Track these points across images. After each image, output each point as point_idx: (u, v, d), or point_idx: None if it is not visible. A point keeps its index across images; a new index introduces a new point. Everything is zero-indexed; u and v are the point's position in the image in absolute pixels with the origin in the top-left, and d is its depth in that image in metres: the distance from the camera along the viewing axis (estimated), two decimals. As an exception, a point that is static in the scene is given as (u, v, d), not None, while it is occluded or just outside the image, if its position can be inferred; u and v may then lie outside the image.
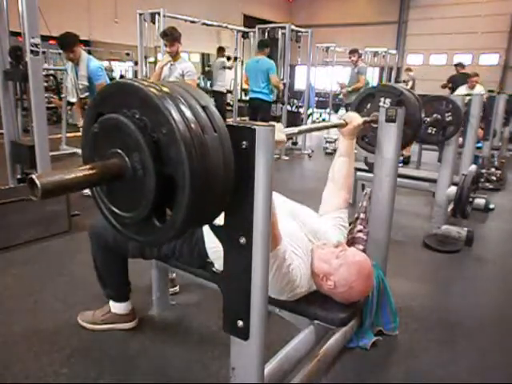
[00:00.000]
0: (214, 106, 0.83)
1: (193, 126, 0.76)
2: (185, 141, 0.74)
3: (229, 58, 7.77)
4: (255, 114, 5.80)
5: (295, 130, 1.34)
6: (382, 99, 1.92)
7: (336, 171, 1.80)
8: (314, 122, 10.93)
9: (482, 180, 4.54)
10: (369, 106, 1.96)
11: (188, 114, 0.76)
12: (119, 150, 0.80)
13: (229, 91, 10.89)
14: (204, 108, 0.80)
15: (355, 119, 1.73)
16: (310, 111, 9.75)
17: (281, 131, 1.16)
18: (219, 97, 7.31)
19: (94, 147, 0.86)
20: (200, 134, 0.76)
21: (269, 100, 5.82)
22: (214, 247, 1.53)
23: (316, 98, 11.52)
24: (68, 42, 3.65)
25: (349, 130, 1.73)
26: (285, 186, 4.59)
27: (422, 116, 2.01)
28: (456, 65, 8.45)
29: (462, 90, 7.17)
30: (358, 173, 3.42)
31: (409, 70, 11.18)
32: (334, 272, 1.45)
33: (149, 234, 0.85)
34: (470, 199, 2.97)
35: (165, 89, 0.78)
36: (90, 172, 0.76)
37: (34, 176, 0.67)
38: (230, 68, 7.42)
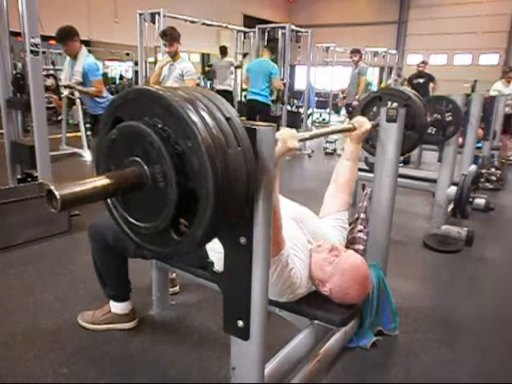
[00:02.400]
0: (237, 117, 0.81)
1: (218, 139, 0.74)
2: (210, 155, 0.72)
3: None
4: (253, 114, 5.79)
5: (306, 134, 1.36)
6: (389, 103, 1.91)
7: (340, 174, 1.80)
8: (313, 122, 10.92)
9: (482, 180, 4.54)
10: (375, 108, 1.94)
11: (213, 126, 0.74)
12: (138, 159, 0.78)
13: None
14: (228, 120, 0.78)
15: (364, 124, 1.72)
16: (309, 111, 9.74)
17: (294, 138, 1.15)
18: (228, 96, 7.34)
19: (110, 153, 0.84)
20: (225, 148, 0.74)
21: (268, 102, 5.81)
22: (214, 247, 1.53)
23: (316, 98, 11.52)
24: (62, 35, 3.61)
25: (357, 135, 1.73)
26: (285, 185, 4.58)
27: (427, 120, 2.00)
28: (423, 62, 8.10)
29: (498, 85, 7.14)
30: (358, 173, 3.41)
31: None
32: (328, 280, 1.45)
33: (166, 246, 0.84)
34: (470, 199, 2.97)
35: (188, 97, 0.76)
36: (109, 182, 0.74)
37: (52, 187, 0.66)
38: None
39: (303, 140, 1.32)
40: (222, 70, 7.41)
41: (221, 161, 0.73)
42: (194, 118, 0.73)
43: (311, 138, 1.39)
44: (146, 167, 0.78)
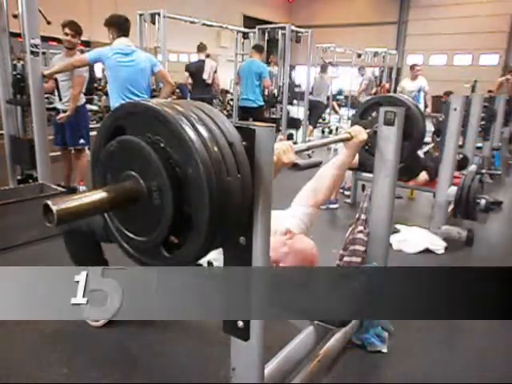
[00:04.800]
0: (240, 142, 0.81)
1: (219, 167, 0.74)
2: (209, 184, 0.72)
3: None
4: (247, 118, 5.79)
5: (304, 146, 1.38)
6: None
7: (323, 176, 1.74)
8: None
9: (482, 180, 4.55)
10: (374, 113, 1.94)
11: (216, 153, 0.74)
12: (135, 174, 0.78)
13: (227, 91, 10.93)
14: (231, 145, 0.78)
15: (361, 133, 1.71)
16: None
17: (290, 151, 1.14)
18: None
19: (108, 164, 0.84)
20: (224, 176, 0.74)
21: (259, 104, 5.79)
22: None
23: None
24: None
25: (354, 144, 1.72)
26: (285, 185, 4.58)
27: (425, 130, 1.98)
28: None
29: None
30: (358, 173, 3.42)
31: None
32: (282, 259, 1.46)
33: (159, 260, 0.84)
34: (477, 200, 2.94)
35: (193, 118, 0.75)
36: (106, 195, 0.74)
37: (49, 202, 0.65)
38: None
39: (301, 151, 1.32)
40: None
41: (219, 189, 0.73)
42: (198, 143, 0.72)
43: (309, 148, 1.41)
44: (142, 183, 0.77)
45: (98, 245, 1.84)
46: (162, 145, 0.75)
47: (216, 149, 0.75)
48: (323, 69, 8.08)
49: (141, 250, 0.86)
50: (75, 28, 3.63)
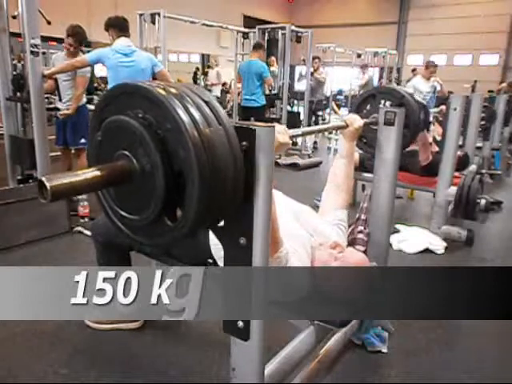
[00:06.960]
0: (215, 101, 0.84)
1: (197, 119, 0.77)
2: (191, 134, 0.74)
3: None
4: (248, 117, 5.78)
5: (299, 131, 1.37)
6: (383, 101, 1.92)
7: (336, 173, 1.81)
8: (314, 121, 10.91)
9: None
10: (368, 106, 1.95)
11: (192, 108, 0.77)
12: (125, 152, 0.81)
13: (227, 91, 10.94)
14: (207, 103, 0.81)
15: (356, 121, 1.73)
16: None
17: (285, 133, 1.15)
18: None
19: (99, 154, 0.86)
20: (205, 126, 0.77)
21: (260, 104, 5.80)
22: (217, 243, 1.52)
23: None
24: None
25: (350, 132, 1.73)
26: (285, 185, 4.58)
27: (421, 118, 2.00)
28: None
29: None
30: (358, 173, 3.42)
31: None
32: None
33: (160, 236, 0.85)
34: (477, 200, 2.94)
35: (168, 88, 0.79)
36: (99, 173, 0.77)
37: (43, 178, 0.68)
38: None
39: (296, 136, 1.33)
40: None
41: (202, 138, 0.76)
42: (172, 102, 0.76)
43: (303, 134, 1.40)
44: (133, 159, 0.80)
45: (128, 261, 1.83)
46: (140, 114, 0.79)
47: (190, 104, 0.78)
48: (315, 70, 8.08)
49: (144, 231, 0.87)
50: (79, 39, 3.66)
